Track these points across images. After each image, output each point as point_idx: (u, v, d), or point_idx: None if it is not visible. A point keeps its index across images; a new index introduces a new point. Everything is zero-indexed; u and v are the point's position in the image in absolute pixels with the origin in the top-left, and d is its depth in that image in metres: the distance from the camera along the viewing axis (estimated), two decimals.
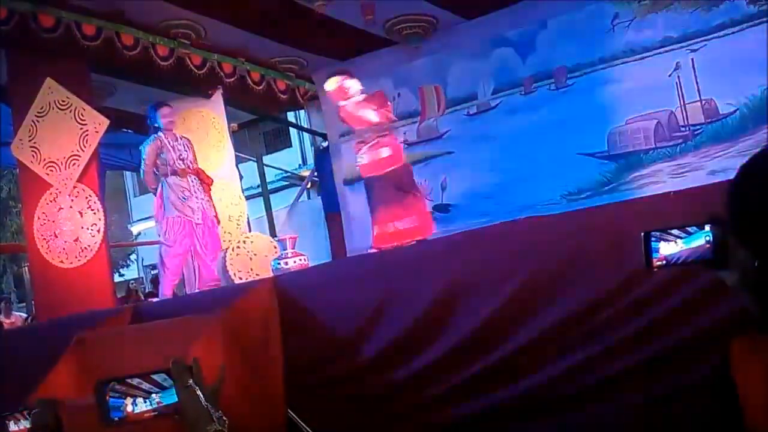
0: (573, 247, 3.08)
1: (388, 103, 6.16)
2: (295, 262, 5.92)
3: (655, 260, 1.60)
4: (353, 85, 6.05)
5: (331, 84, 6.10)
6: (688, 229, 1.55)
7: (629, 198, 5.32)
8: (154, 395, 1.79)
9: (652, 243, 1.59)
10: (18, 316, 10.03)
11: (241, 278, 7.32)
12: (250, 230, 8.03)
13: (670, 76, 7.29)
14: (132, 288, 12.06)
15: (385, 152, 5.91)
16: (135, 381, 1.79)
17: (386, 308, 3.54)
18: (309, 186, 12.33)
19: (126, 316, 4.46)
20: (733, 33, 6.95)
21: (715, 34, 7.05)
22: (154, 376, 1.79)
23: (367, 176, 5.96)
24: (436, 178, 8.64)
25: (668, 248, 1.57)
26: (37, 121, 6.68)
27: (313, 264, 5.96)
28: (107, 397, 1.76)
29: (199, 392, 1.74)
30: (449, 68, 8.56)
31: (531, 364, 3.12)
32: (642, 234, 1.61)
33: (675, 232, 1.58)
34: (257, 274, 7.21)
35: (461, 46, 8.36)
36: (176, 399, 1.76)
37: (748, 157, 1.47)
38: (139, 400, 1.78)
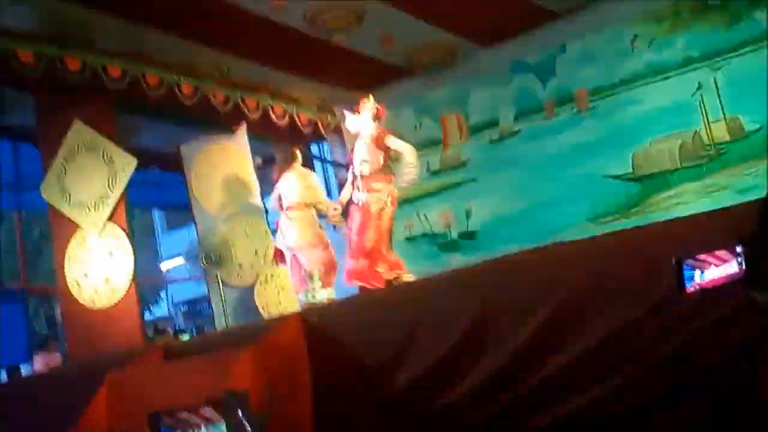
0: (602, 273, 3.05)
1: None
2: (322, 294, 5.92)
3: (688, 287, 1.58)
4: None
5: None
6: (721, 255, 1.53)
7: (657, 220, 5.26)
8: (203, 429, 1.81)
9: (685, 270, 1.57)
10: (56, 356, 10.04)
11: (269, 312, 7.33)
12: (277, 264, 8.04)
13: (693, 95, 7.24)
14: (160, 327, 12.07)
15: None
16: (185, 414, 1.82)
17: (416, 339, 3.52)
18: None
19: (157, 354, 4.47)
20: (755, 50, 6.91)
21: (737, 52, 7.02)
22: (203, 410, 1.82)
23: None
24: (460, 205, 8.62)
25: (702, 275, 1.55)
26: (66, 163, 6.77)
27: (341, 296, 5.95)
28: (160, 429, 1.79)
29: (246, 424, 1.76)
30: (470, 96, 8.59)
31: (563, 391, 3.08)
32: (674, 261, 1.59)
33: (709, 259, 1.56)
34: (285, 308, 7.22)
35: (481, 74, 8.40)
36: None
37: None
38: None
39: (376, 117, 5.81)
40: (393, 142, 5.74)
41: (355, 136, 5.91)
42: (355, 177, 5.78)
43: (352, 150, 5.91)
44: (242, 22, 6.71)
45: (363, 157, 5.72)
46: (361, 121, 5.83)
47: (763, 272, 1.51)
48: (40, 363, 8.33)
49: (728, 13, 7.13)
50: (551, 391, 3.09)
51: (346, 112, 5.91)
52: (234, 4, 6.44)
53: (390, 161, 5.79)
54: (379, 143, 5.70)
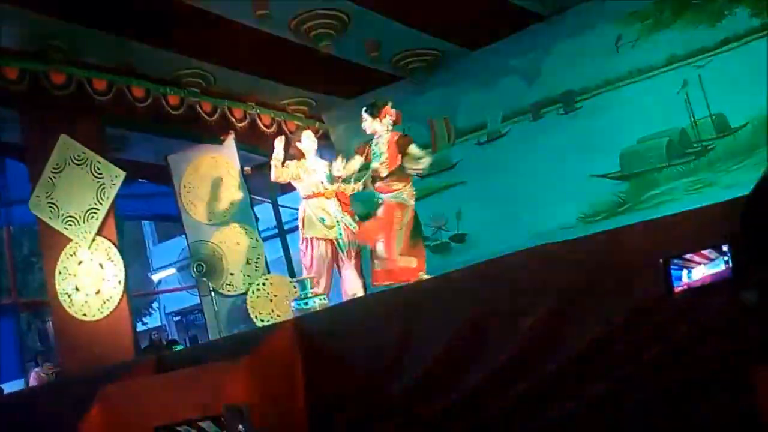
0: (591, 273, 3.06)
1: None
2: (315, 301, 5.91)
3: (676, 287, 1.59)
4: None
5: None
6: (708, 254, 1.54)
7: (646, 219, 5.28)
8: None
9: (673, 270, 1.58)
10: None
11: (263, 320, 7.32)
12: (269, 271, 8.04)
13: (678, 93, 7.28)
14: (154, 338, 12.06)
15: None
16: (183, 428, 1.83)
17: (410, 344, 3.53)
18: None
19: (150, 366, 4.46)
20: (738, 46, 6.96)
21: (720, 49, 7.06)
22: (203, 423, 1.83)
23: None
24: (450, 208, 8.62)
25: (689, 274, 1.56)
26: (54, 178, 6.77)
27: (333, 303, 5.95)
28: None
29: None
30: (457, 99, 8.61)
31: (557, 393, 3.09)
32: (661, 261, 1.60)
33: (695, 258, 1.57)
34: (278, 315, 7.22)
35: (467, 77, 8.41)
36: None
37: (762, 169, 1.46)
38: None
39: (394, 122, 5.94)
40: (415, 150, 5.87)
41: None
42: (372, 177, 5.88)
43: (363, 152, 5.94)
44: (227, 32, 6.72)
45: (382, 159, 5.82)
46: (380, 124, 5.89)
47: (749, 271, 1.52)
48: (35, 381, 8.31)
49: (710, 11, 7.16)
50: (543, 393, 3.10)
51: (365, 115, 5.93)
52: (219, 14, 6.44)
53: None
54: (399, 146, 5.83)
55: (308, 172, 6.11)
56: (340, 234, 6.06)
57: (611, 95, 7.65)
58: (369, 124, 5.92)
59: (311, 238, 6.03)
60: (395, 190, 5.84)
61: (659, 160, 7.47)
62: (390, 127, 5.91)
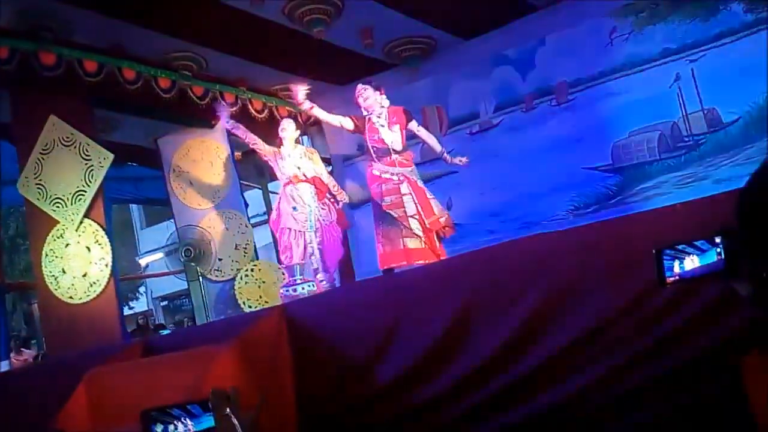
0: (582, 263, 3.06)
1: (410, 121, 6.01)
2: (303, 288, 5.91)
3: (668, 278, 1.58)
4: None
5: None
6: (700, 244, 1.53)
7: (637, 211, 5.30)
8: (189, 422, 1.80)
9: (665, 261, 1.57)
10: (29, 353, 10.00)
11: (250, 306, 7.32)
12: (257, 258, 8.02)
13: (670, 87, 7.29)
14: (141, 322, 12.03)
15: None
16: (173, 410, 1.81)
17: (399, 332, 3.51)
18: None
19: (136, 350, 4.43)
20: (732, 42, 6.97)
21: (714, 44, 7.07)
22: (189, 406, 1.82)
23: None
24: (441, 197, 8.58)
25: (681, 265, 1.55)
26: (42, 158, 6.71)
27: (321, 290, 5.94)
28: (151, 425, 1.79)
29: (235, 421, 1.75)
30: (450, 88, 8.59)
31: (546, 383, 3.09)
32: (654, 251, 1.59)
33: (688, 249, 1.56)
34: (266, 302, 7.21)
35: (461, 66, 8.40)
36: (210, 425, 1.78)
37: (753, 165, 1.45)
38: (171, 427, 1.80)
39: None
40: (415, 126, 6.03)
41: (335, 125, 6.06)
42: (379, 154, 5.84)
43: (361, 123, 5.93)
44: (220, 16, 6.67)
45: (394, 135, 5.83)
46: (380, 98, 5.91)
47: (742, 263, 1.51)
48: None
49: (705, 5, 7.17)
50: (532, 383, 3.10)
51: (371, 89, 5.90)
52: None
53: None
54: (406, 119, 5.92)
55: (283, 158, 6.25)
56: (311, 226, 6.11)
57: (604, 87, 7.66)
58: (376, 97, 5.89)
59: (288, 228, 6.11)
60: (408, 165, 5.91)
61: (650, 153, 7.49)
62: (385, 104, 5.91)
